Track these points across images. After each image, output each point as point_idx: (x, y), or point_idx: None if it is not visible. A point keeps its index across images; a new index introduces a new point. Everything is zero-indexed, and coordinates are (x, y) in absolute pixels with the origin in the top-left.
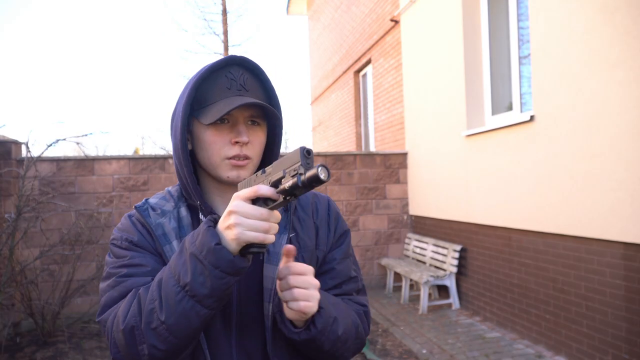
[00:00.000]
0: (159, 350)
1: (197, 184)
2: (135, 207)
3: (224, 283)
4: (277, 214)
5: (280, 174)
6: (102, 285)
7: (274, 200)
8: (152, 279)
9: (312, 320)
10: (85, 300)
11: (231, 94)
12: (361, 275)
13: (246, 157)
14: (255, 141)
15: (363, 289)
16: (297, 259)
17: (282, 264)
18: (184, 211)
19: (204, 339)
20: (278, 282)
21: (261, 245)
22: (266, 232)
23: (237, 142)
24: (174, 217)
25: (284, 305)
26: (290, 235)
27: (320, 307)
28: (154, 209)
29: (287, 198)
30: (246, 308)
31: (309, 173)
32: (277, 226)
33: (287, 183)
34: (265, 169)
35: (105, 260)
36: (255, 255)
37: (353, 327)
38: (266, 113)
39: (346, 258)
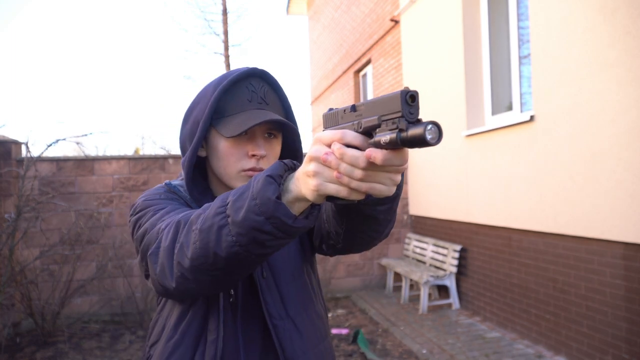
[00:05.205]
0: (185, 256)
1: (192, 193)
2: (166, 184)
3: (260, 222)
4: None
5: (374, 120)
6: (146, 224)
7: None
8: None
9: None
10: (85, 300)
11: (252, 106)
12: None
13: (262, 170)
14: (271, 154)
15: None
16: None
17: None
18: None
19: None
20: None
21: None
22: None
23: (254, 155)
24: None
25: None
26: None
27: None
28: (181, 190)
29: None
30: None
31: (413, 131)
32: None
33: (383, 137)
34: (357, 105)
35: (137, 208)
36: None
37: None
38: (282, 124)
39: None
